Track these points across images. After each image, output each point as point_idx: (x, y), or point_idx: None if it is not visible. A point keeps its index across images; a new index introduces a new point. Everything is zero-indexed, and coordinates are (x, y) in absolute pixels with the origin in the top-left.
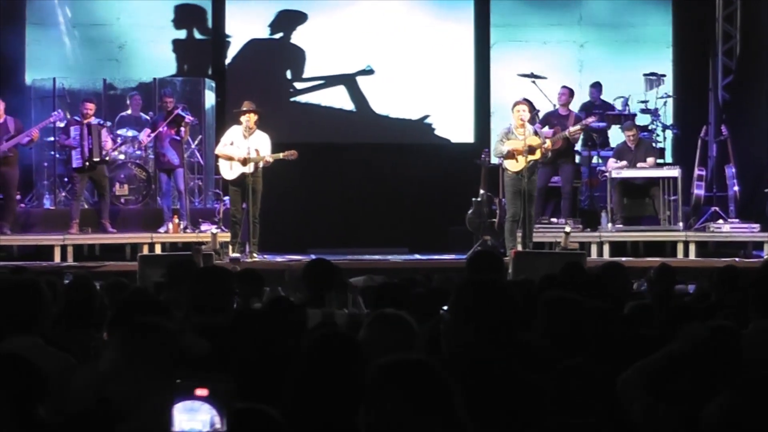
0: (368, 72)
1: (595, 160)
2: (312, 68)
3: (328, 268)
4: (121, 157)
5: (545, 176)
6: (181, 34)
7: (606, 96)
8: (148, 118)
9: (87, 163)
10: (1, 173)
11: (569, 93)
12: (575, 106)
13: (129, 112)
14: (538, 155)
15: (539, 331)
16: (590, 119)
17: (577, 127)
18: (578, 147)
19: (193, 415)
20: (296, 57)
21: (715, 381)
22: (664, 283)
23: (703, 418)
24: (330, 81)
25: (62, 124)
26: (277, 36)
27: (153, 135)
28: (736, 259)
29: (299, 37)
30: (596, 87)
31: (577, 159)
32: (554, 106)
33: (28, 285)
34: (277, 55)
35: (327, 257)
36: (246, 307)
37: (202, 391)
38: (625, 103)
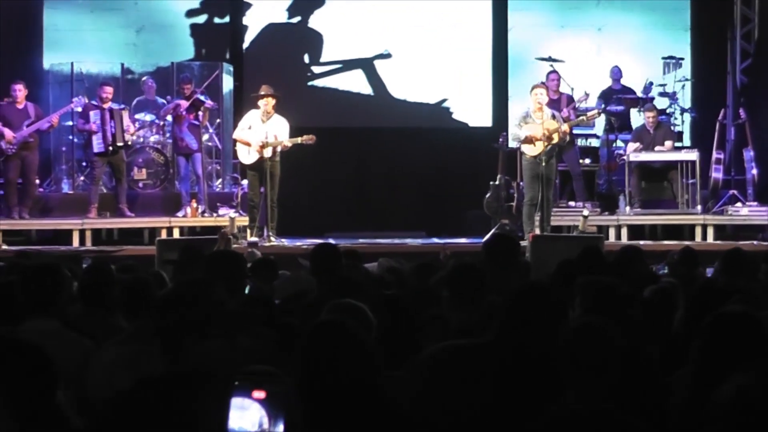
0: (386, 56)
1: (614, 144)
2: (330, 52)
3: (333, 253)
4: (140, 140)
5: None
6: (199, 18)
7: (624, 80)
8: (165, 102)
9: (110, 148)
10: (21, 158)
11: (558, 77)
12: (595, 90)
13: (144, 96)
14: (556, 139)
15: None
16: (583, 96)
17: (595, 110)
18: (597, 131)
19: (243, 413)
20: (314, 41)
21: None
22: (688, 267)
23: (716, 399)
24: (348, 65)
25: (80, 109)
26: (295, 20)
27: (185, 104)
28: (754, 242)
29: (317, 21)
30: (617, 69)
31: (597, 142)
32: (572, 89)
33: (47, 268)
34: (294, 40)
35: (344, 241)
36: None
37: (259, 394)
38: (649, 88)
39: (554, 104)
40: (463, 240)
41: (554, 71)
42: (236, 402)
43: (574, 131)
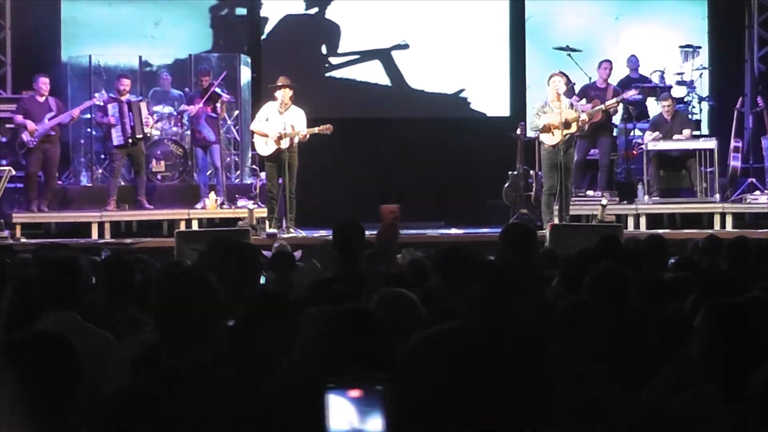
0: (403, 47)
1: (632, 133)
2: (347, 43)
3: (358, 228)
4: (157, 133)
5: (583, 149)
6: (217, 10)
7: (642, 69)
8: (181, 93)
9: (130, 140)
10: (42, 151)
11: (611, 66)
12: (612, 80)
13: (160, 88)
14: (574, 129)
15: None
16: (630, 92)
17: (614, 100)
18: (615, 119)
19: (341, 412)
20: (331, 32)
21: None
22: (712, 255)
23: (749, 387)
24: (365, 56)
25: (101, 103)
26: (312, 11)
27: (194, 109)
28: None
29: (334, 12)
30: (635, 58)
31: (615, 132)
32: (589, 78)
33: (67, 261)
34: (312, 31)
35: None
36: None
37: (355, 393)
38: (662, 77)
39: (600, 93)
40: (482, 230)
41: (607, 60)
42: (333, 400)
43: (613, 120)
